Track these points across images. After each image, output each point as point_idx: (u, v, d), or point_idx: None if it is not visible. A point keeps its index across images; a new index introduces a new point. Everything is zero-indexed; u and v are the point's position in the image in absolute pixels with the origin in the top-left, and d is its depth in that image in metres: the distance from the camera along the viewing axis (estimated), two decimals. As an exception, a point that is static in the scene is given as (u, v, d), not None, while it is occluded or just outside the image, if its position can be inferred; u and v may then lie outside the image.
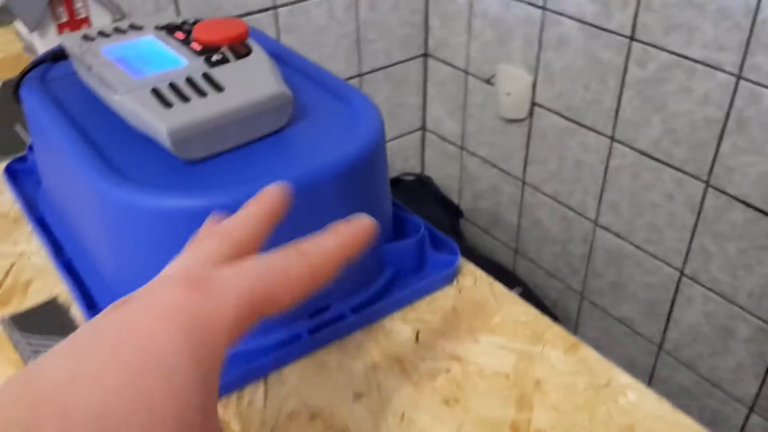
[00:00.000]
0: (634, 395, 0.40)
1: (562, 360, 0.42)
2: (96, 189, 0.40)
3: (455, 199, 1.55)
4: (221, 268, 0.25)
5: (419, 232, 0.47)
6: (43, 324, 0.45)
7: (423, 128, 1.54)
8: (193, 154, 0.41)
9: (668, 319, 1.21)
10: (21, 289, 0.48)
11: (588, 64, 1.16)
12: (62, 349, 0.21)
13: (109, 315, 0.22)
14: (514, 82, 1.30)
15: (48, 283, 0.48)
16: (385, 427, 0.38)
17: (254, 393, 0.40)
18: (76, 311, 0.46)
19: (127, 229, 0.40)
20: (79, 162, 0.41)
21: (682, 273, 1.15)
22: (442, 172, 1.58)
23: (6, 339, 0.44)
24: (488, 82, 1.35)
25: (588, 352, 0.43)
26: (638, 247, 1.23)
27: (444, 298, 0.47)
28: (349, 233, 0.29)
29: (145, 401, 0.20)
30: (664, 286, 1.20)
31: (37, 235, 0.52)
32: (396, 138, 1.51)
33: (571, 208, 1.31)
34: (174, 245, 0.39)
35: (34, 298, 0.47)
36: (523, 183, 1.39)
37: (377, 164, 0.45)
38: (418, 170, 1.59)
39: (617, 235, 1.24)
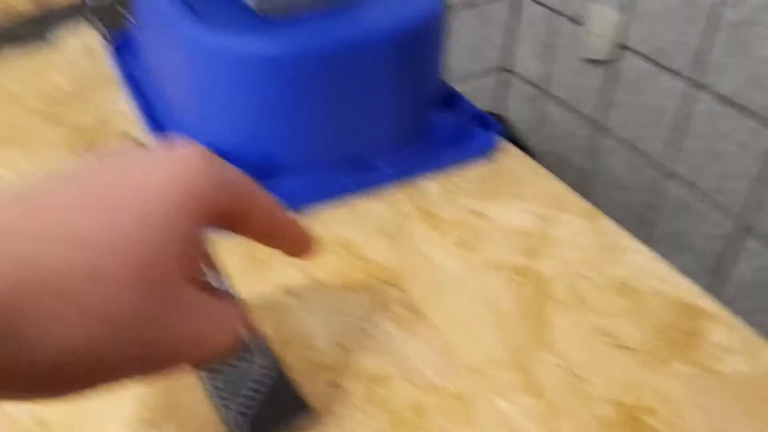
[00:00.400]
0: (643, 258, 0.43)
1: (578, 225, 0.45)
2: (185, 36, 0.46)
3: (528, 142, 1.56)
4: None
5: (464, 107, 0.51)
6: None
7: (504, 68, 1.55)
8: (271, 10, 0.46)
9: (726, 273, 1.19)
10: (114, 137, 0.55)
11: (681, 6, 1.14)
12: (66, 174, 0.22)
13: (126, 156, 0.23)
14: (602, 22, 1.30)
15: (138, 136, 0.55)
16: (407, 261, 0.43)
17: (294, 222, 0.46)
18: (153, 148, 0.53)
19: (209, 73, 0.46)
20: (172, 13, 0.47)
21: (746, 226, 1.14)
22: (519, 114, 1.59)
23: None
24: (576, 21, 1.34)
25: (606, 222, 0.45)
26: (705, 197, 1.21)
27: (479, 169, 0.50)
28: (309, 235, 0.30)
29: (137, 232, 0.20)
30: (727, 239, 1.18)
31: (130, 95, 0.59)
32: (477, 77, 1.53)
33: (643, 155, 1.30)
34: (247, 90, 0.45)
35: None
36: (599, 127, 1.38)
37: (433, 36, 0.49)
38: (494, 110, 1.60)
39: (686, 185, 1.23)
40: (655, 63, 1.21)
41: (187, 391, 0.35)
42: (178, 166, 0.22)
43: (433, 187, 0.49)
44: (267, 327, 0.38)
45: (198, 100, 0.48)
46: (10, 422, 0.33)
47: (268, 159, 0.46)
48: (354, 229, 0.45)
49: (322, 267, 0.42)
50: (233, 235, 0.27)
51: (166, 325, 0.21)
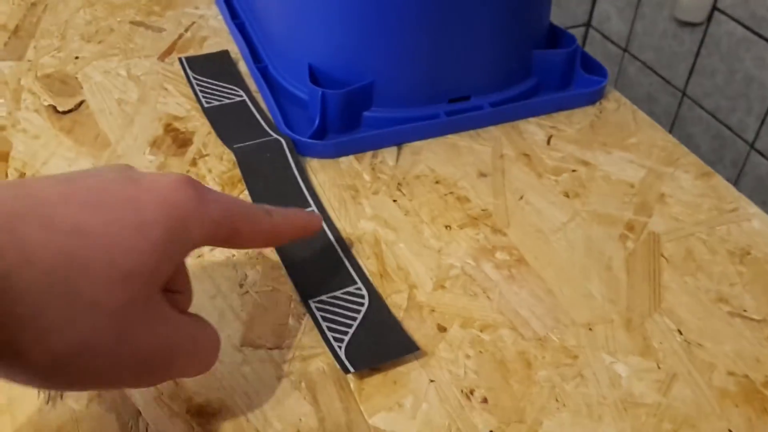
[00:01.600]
0: (760, 223, 0.39)
1: (691, 183, 0.42)
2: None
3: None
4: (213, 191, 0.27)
5: (572, 47, 0.47)
6: (213, 69, 0.50)
7: (588, 24, 1.48)
8: None
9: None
10: (198, 42, 0.53)
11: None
12: (61, 176, 0.23)
13: (116, 172, 0.24)
14: (698, -18, 1.21)
15: (221, 42, 0.53)
16: (502, 202, 0.40)
17: (388, 154, 0.43)
18: (243, 65, 0.51)
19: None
20: None
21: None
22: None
23: (182, 75, 0.49)
24: (669, -21, 1.27)
25: (720, 181, 0.42)
26: (794, 176, 1.14)
27: (583, 115, 0.47)
28: (305, 218, 0.32)
29: (118, 233, 0.22)
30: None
31: (216, 2, 0.57)
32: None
33: (728, 127, 1.24)
34: (347, 10, 0.42)
35: (207, 50, 0.52)
36: (683, 94, 1.31)
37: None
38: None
39: (774, 162, 1.16)
40: (752, 31, 1.13)
41: (296, 318, 0.33)
42: (168, 191, 0.24)
43: (535, 131, 0.46)
44: (369, 262, 0.36)
45: (293, 16, 0.46)
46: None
47: (362, 82, 0.44)
48: (453, 168, 0.43)
49: (420, 203, 0.40)
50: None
51: (150, 327, 0.23)
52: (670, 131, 1.37)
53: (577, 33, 1.51)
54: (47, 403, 0.29)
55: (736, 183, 1.25)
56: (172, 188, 0.24)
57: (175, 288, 0.26)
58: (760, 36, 1.14)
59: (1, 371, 0.21)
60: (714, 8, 1.21)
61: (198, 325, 0.26)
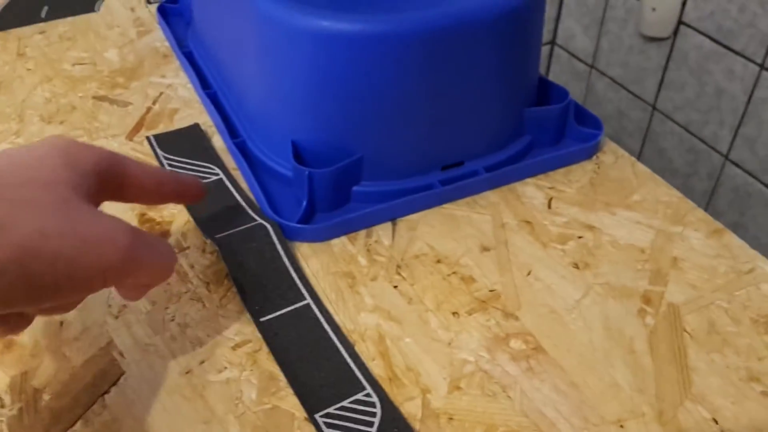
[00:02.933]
0: (781, 286, 0.37)
1: (703, 243, 0.40)
2: (258, 10, 0.40)
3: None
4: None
5: (564, 101, 0.45)
6: (185, 146, 0.46)
7: (552, 42, 1.48)
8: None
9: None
10: (168, 116, 0.50)
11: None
12: None
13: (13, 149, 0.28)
14: (662, -3, 1.21)
15: (193, 113, 0.50)
16: (510, 280, 0.38)
17: (383, 232, 0.41)
18: (217, 139, 0.48)
19: (283, 51, 0.40)
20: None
21: (818, 219, 1.07)
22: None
23: (152, 155, 0.46)
24: (632, -5, 1.27)
25: (732, 239, 0.40)
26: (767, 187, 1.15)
27: (581, 172, 0.45)
28: (190, 186, 0.35)
29: (23, 167, 0.26)
30: (794, 231, 1.12)
31: (184, 69, 0.54)
32: (523, 49, 1.45)
33: (701, 140, 1.24)
34: (325, 70, 0.39)
35: (178, 124, 0.49)
36: (654, 109, 1.31)
37: (534, 20, 0.43)
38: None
39: (748, 173, 1.17)
40: (720, 44, 1.14)
41: (284, 440, 0.30)
42: (49, 139, 0.28)
43: (534, 194, 0.43)
44: (375, 364, 0.33)
45: (267, 83, 0.43)
46: None
47: (350, 158, 0.41)
48: (452, 243, 0.40)
49: (423, 287, 0.37)
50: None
51: (89, 213, 0.26)
52: (642, 146, 1.37)
53: (543, 50, 1.51)
54: None
55: (712, 195, 1.25)
56: (52, 139, 0.28)
57: (131, 198, 0.31)
58: (728, 48, 1.14)
59: None
60: (680, 22, 1.21)
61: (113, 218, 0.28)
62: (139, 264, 0.27)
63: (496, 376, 0.33)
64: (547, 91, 0.47)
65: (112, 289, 0.36)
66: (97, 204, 0.29)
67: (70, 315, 0.35)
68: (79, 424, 0.31)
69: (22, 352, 0.34)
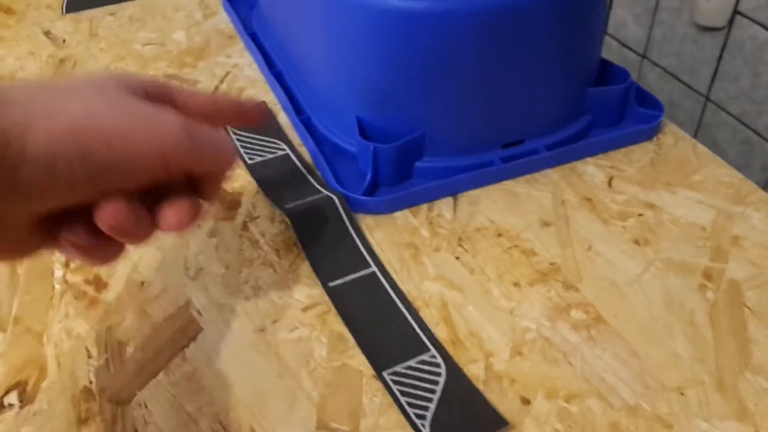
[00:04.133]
0: None
1: (764, 222, 0.40)
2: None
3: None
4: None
5: (625, 81, 0.46)
6: (254, 122, 0.48)
7: (604, 32, 1.46)
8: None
9: None
10: (234, 94, 0.52)
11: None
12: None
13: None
14: (718, -14, 1.19)
15: (258, 92, 0.52)
16: (570, 254, 0.38)
17: (444, 206, 0.42)
18: (282, 116, 0.49)
19: (348, 29, 0.42)
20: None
21: None
22: (617, 81, 1.49)
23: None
24: (687, -16, 1.24)
25: (795, 220, 0.40)
26: (829, 180, 1.12)
27: (641, 152, 0.45)
28: (248, 107, 0.33)
29: (75, 82, 0.26)
30: None
31: (249, 50, 0.55)
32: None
33: (755, 132, 1.21)
34: (392, 51, 0.40)
35: (245, 101, 0.51)
36: (707, 100, 1.29)
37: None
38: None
39: (806, 166, 1.14)
40: (781, 32, 1.11)
41: (370, 395, 0.32)
42: (98, 74, 0.28)
43: (594, 173, 0.44)
44: (439, 328, 0.35)
45: (333, 61, 0.44)
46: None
47: (413, 134, 0.42)
48: (514, 218, 0.41)
49: (484, 259, 0.38)
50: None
51: (127, 102, 0.25)
52: (695, 137, 1.34)
53: (593, 41, 1.49)
54: None
55: (765, 187, 1.22)
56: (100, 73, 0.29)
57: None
58: (786, 39, 1.11)
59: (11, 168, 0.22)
60: (735, 12, 1.19)
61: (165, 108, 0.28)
62: (197, 145, 0.26)
63: (557, 343, 0.34)
64: (607, 72, 0.48)
65: (188, 251, 0.38)
66: None
67: (150, 276, 0.37)
68: (161, 375, 0.33)
69: (107, 309, 0.36)
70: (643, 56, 1.40)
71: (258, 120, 0.33)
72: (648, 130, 0.46)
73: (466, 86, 0.42)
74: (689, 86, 1.32)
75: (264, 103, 0.33)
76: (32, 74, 0.54)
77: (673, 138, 0.46)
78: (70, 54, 0.56)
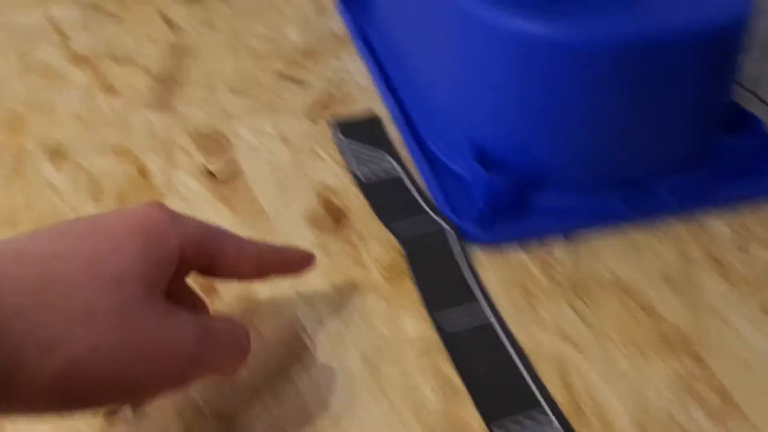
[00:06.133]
0: None
1: None
2: (458, 7, 0.40)
3: None
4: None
5: (758, 131, 0.43)
6: (366, 135, 0.47)
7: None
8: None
9: None
10: (345, 102, 0.50)
11: None
12: (52, 229, 0.25)
13: (98, 215, 0.26)
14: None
15: (367, 101, 0.50)
16: (702, 324, 0.36)
17: (558, 247, 0.40)
18: (392, 129, 0.48)
19: (477, 52, 0.40)
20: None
21: None
22: None
23: (329, 137, 0.47)
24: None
25: None
26: None
27: (775, 212, 0.42)
28: (295, 259, 0.32)
29: (92, 253, 0.24)
30: None
31: (364, 58, 0.54)
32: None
33: None
34: (524, 75, 0.39)
35: (353, 110, 0.49)
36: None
37: (735, 42, 0.41)
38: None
39: None
40: None
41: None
42: (138, 215, 0.26)
43: (721, 228, 0.41)
44: (554, 387, 0.33)
45: (459, 82, 0.43)
46: None
47: (531, 164, 0.41)
48: (634, 271, 0.39)
49: (603, 313, 0.36)
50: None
51: (154, 320, 0.24)
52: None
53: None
54: None
55: None
56: (142, 212, 0.26)
57: (223, 275, 0.28)
58: None
59: (3, 402, 0.21)
60: None
61: (220, 319, 0.27)
62: (201, 369, 0.26)
63: (684, 423, 0.32)
64: (739, 118, 0.45)
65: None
66: (181, 278, 0.28)
67: (265, 295, 0.37)
68: (267, 395, 0.32)
69: (212, 320, 0.35)
70: (753, 93, 1.33)
71: (305, 269, 0.32)
72: (784, 188, 0.43)
73: (592, 122, 0.40)
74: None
75: (311, 254, 0.33)
76: (150, 58, 0.53)
77: (812, 200, 0.43)
78: (185, 43, 0.56)
